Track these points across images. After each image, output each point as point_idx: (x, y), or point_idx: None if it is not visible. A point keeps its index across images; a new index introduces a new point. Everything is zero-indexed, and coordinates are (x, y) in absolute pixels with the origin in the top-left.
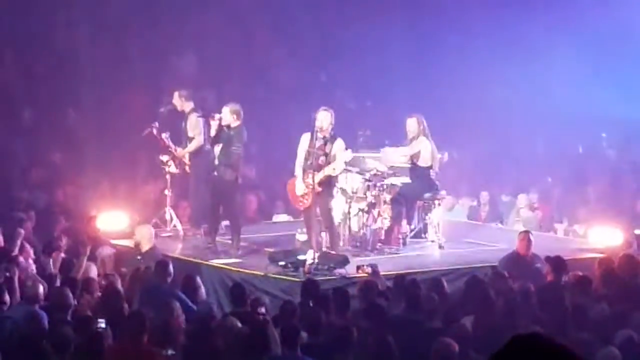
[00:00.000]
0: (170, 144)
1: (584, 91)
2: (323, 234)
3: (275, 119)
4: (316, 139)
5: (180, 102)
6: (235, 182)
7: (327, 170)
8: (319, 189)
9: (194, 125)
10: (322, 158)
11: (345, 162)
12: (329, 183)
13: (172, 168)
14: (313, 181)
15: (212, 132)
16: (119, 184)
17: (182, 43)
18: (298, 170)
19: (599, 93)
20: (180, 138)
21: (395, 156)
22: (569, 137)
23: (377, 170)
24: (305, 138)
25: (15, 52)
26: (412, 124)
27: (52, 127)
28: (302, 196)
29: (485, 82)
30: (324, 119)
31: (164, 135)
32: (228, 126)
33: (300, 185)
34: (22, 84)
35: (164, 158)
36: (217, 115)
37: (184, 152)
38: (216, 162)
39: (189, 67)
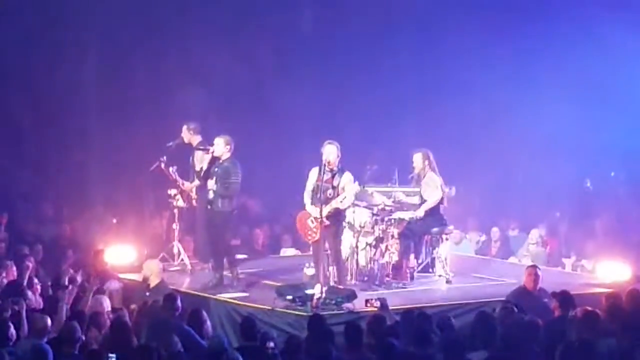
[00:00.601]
0: (178, 178)
1: (591, 124)
2: (331, 268)
3: (282, 153)
4: (324, 172)
5: (188, 135)
6: (231, 214)
7: (335, 203)
8: (327, 222)
9: (201, 159)
10: (330, 191)
11: (355, 195)
12: (337, 217)
13: (180, 202)
14: (321, 214)
15: (204, 166)
16: (126, 218)
17: (189, 77)
18: (307, 204)
19: (607, 125)
20: (188, 172)
21: (407, 199)
22: (575, 170)
23: (385, 205)
24: (314, 172)
25: (22, 86)
26: (418, 159)
27: (59, 161)
28: (311, 229)
29: (492, 116)
30: (331, 152)
31: (171, 170)
32: (220, 158)
33: (309, 219)
34: (29, 118)
35: (172, 192)
36: (211, 148)
37: (192, 186)
38: (211, 195)
39: (196, 101)
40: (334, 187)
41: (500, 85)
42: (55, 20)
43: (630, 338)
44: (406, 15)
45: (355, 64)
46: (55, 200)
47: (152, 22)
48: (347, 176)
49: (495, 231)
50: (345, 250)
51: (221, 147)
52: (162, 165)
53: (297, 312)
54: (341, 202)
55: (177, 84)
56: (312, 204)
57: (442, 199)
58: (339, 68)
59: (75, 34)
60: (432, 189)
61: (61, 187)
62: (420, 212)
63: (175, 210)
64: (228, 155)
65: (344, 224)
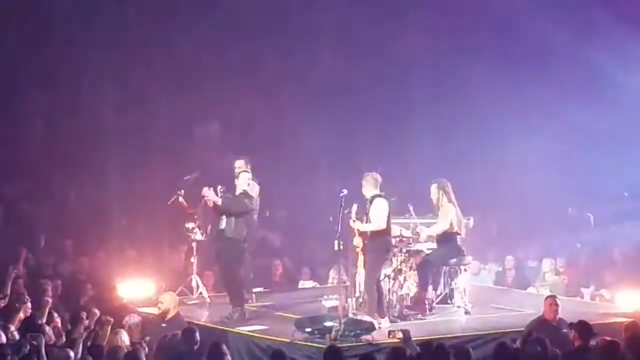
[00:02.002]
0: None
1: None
2: (349, 300)
3: (300, 186)
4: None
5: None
6: (242, 243)
7: (355, 224)
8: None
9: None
10: (364, 218)
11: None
12: (374, 245)
13: (198, 235)
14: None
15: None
16: (145, 252)
17: (206, 111)
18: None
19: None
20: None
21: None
22: (593, 199)
23: (403, 236)
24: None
25: (41, 122)
26: (434, 190)
27: (78, 195)
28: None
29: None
30: (363, 184)
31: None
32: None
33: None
34: (46, 154)
35: (190, 225)
36: (219, 187)
37: None
38: (222, 225)
39: (213, 135)
40: (366, 214)
41: (519, 115)
42: (75, 58)
43: None
44: (423, 52)
45: (373, 96)
46: (74, 234)
47: (172, 56)
48: (375, 203)
49: (509, 259)
50: (363, 283)
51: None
52: (180, 199)
53: (316, 345)
54: (359, 224)
55: (195, 117)
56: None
57: (459, 229)
58: (358, 102)
59: (94, 69)
60: (442, 218)
61: (80, 221)
62: (422, 236)
63: (194, 244)
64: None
65: (384, 255)
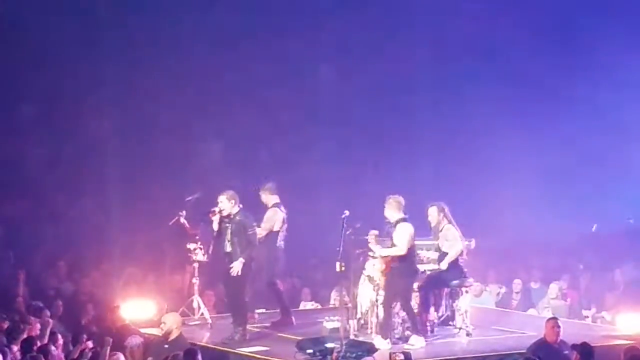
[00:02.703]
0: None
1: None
2: (351, 322)
3: (302, 207)
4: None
5: (265, 196)
6: (250, 268)
7: (376, 249)
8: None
9: (270, 218)
10: (389, 243)
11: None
12: (402, 270)
13: (200, 256)
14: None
15: (215, 227)
16: (146, 273)
17: (208, 131)
18: None
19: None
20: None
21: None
22: (593, 219)
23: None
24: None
25: (41, 140)
26: (433, 212)
27: (80, 214)
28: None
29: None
30: (386, 207)
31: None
32: (229, 215)
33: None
34: (48, 174)
35: (191, 246)
36: (216, 209)
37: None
38: (228, 248)
39: (215, 155)
40: (391, 239)
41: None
42: (76, 75)
43: None
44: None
45: (372, 115)
46: (75, 254)
47: (173, 75)
48: (398, 228)
49: (517, 283)
50: (365, 304)
51: (226, 203)
52: (181, 220)
53: None
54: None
55: (197, 137)
56: None
57: (461, 251)
58: (357, 121)
59: (95, 87)
60: (452, 241)
61: (80, 241)
62: (443, 265)
63: (195, 265)
64: (237, 209)
65: (413, 278)
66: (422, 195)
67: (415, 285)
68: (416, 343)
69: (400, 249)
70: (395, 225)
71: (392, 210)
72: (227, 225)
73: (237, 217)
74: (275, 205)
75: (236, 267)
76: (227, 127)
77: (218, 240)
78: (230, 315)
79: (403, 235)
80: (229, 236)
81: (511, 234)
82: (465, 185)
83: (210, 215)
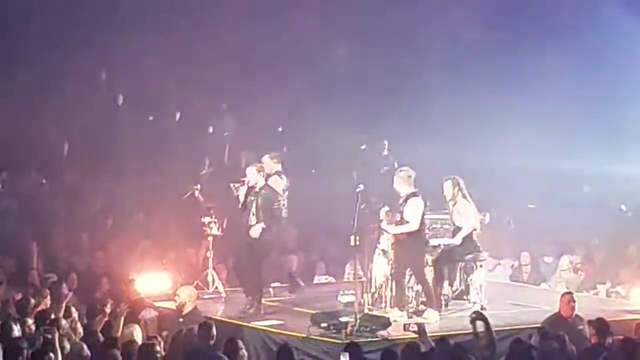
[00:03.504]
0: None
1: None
2: (365, 296)
3: (317, 181)
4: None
5: (270, 163)
6: (272, 243)
7: (388, 228)
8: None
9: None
10: (398, 216)
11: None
12: (415, 244)
13: (214, 230)
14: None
15: (241, 198)
16: (161, 246)
17: (222, 107)
18: None
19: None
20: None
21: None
22: (610, 195)
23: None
24: None
25: (58, 119)
26: (448, 187)
27: (93, 189)
28: None
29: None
30: (395, 180)
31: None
32: (253, 187)
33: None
34: (64, 149)
35: (206, 220)
36: (245, 179)
37: None
38: (252, 221)
39: (229, 130)
40: (401, 213)
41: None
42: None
43: None
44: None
45: (388, 92)
46: (89, 227)
47: (186, 52)
48: (409, 202)
49: (525, 256)
50: (379, 278)
51: (254, 175)
52: (196, 194)
53: (332, 340)
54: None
55: (211, 113)
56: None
57: (475, 226)
58: (372, 99)
59: (109, 69)
60: (466, 216)
61: (95, 214)
62: (457, 240)
63: (210, 238)
64: (263, 182)
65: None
66: (437, 169)
67: (430, 260)
68: (430, 317)
69: (413, 225)
70: (406, 200)
71: (403, 183)
72: (253, 198)
73: (264, 191)
74: (277, 173)
75: (255, 230)
76: (241, 102)
77: (243, 212)
78: (244, 289)
79: (415, 211)
80: (254, 209)
81: (527, 208)
82: (482, 158)
83: (240, 185)
